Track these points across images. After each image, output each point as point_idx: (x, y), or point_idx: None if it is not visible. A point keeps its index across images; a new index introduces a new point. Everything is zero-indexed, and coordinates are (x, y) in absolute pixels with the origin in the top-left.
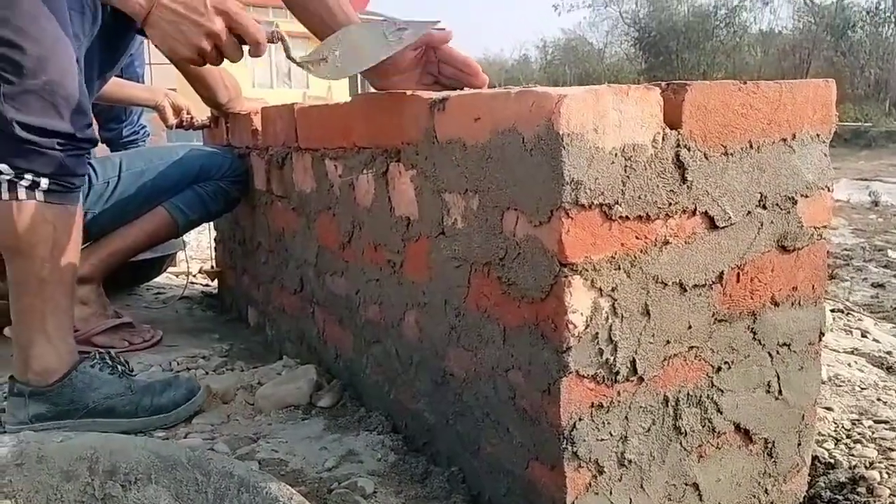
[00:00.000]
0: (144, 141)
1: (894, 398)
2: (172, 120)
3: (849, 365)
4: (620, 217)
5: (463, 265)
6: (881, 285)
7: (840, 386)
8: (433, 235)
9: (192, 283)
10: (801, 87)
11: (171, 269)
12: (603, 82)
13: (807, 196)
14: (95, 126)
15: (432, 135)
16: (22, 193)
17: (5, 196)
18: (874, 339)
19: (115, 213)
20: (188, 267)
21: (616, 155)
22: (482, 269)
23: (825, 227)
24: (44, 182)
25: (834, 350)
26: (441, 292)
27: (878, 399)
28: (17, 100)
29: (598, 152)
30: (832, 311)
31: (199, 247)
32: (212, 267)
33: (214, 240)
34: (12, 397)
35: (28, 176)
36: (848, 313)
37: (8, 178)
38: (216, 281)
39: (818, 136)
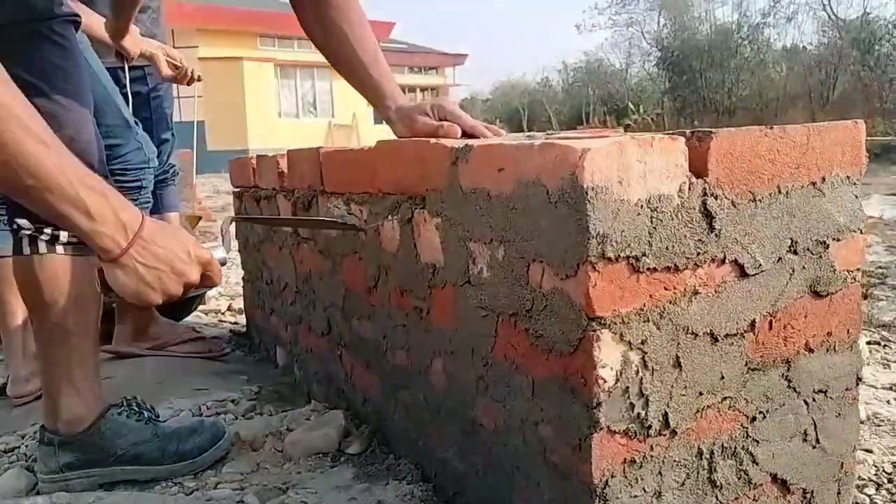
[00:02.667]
0: (174, 181)
1: None
2: (167, 71)
3: (888, 402)
4: (648, 269)
5: (490, 315)
6: None
7: (879, 426)
8: (459, 284)
9: (221, 321)
10: (829, 130)
11: (200, 306)
12: (626, 103)
13: (839, 239)
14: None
15: (456, 183)
16: (42, 247)
17: (26, 251)
18: None
19: None
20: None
21: (642, 206)
22: (509, 320)
23: (858, 269)
24: (63, 235)
25: (871, 386)
26: (468, 341)
27: None
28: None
29: (624, 205)
30: (868, 342)
31: (226, 282)
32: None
33: (242, 279)
34: (43, 446)
35: (47, 230)
36: (885, 345)
37: (28, 232)
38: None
39: (848, 178)
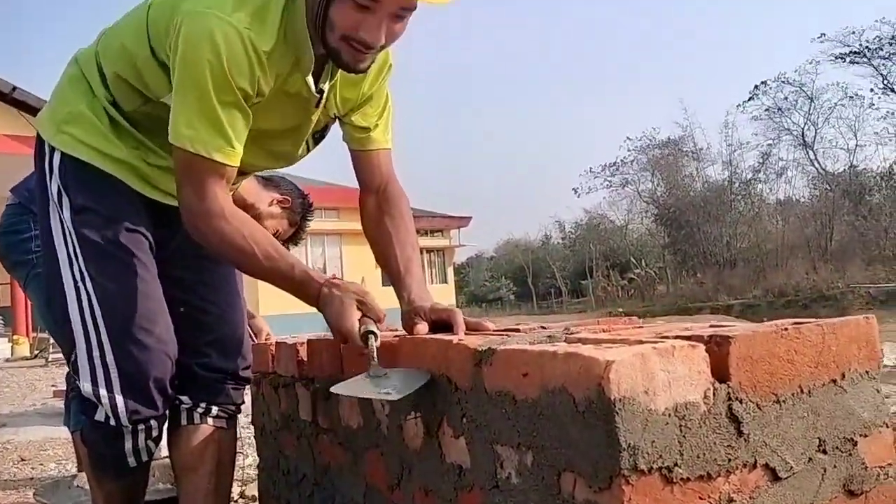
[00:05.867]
0: None
1: None
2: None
3: None
4: (681, 479)
5: None
6: None
7: None
8: (487, 488)
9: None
10: (842, 327)
11: None
12: (628, 258)
13: (866, 435)
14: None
15: (481, 385)
16: (197, 419)
17: (184, 422)
18: None
19: None
20: None
21: (669, 415)
22: None
23: (890, 465)
24: (214, 409)
25: None
26: None
27: None
28: (199, 350)
29: (652, 414)
30: None
31: (239, 467)
32: None
33: (258, 466)
34: None
35: (202, 405)
36: None
37: (187, 406)
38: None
39: (867, 373)
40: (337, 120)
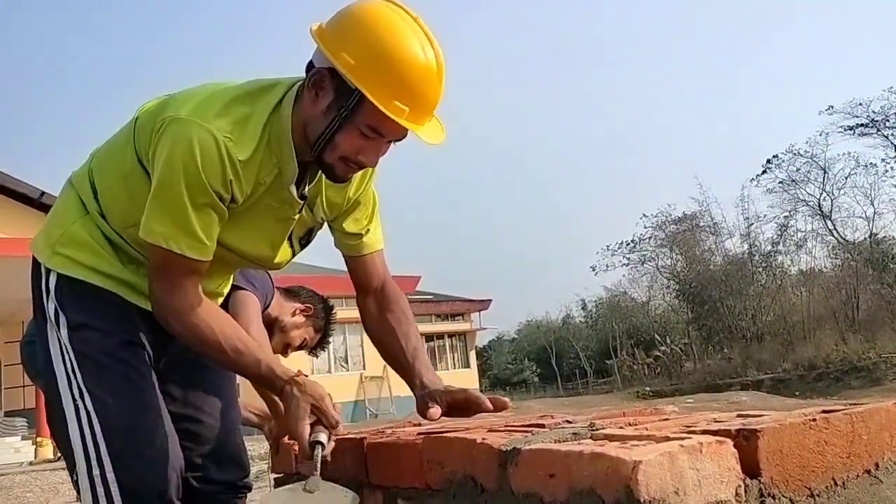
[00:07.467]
0: None
1: None
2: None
3: None
4: None
5: None
6: None
7: None
8: None
9: None
10: (872, 415)
11: None
12: (652, 335)
13: None
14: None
15: (507, 486)
16: None
17: None
18: None
19: None
20: None
21: None
22: None
23: None
24: None
25: None
26: None
27: None
28: (195, 464)
29: None
30: None
31: None
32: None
33: None
34: None
35: None
36: None
37: None
38: None
39: None
40: (324, 224)
